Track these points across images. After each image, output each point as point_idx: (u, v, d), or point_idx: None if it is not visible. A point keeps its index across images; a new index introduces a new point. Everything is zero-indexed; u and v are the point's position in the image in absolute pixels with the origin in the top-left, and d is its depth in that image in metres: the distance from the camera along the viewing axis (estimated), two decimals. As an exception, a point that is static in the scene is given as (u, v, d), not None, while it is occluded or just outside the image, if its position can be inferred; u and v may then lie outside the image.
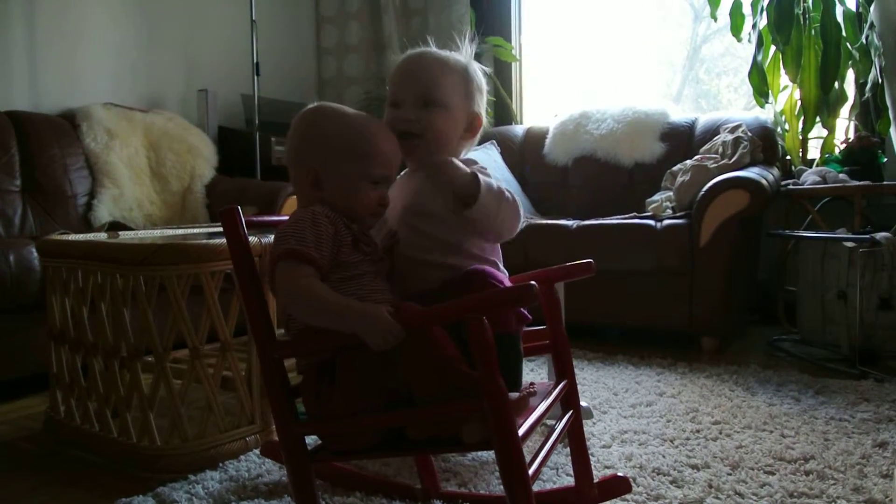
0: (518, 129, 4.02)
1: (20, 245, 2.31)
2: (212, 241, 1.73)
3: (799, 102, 3.34)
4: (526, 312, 1.26)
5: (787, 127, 3.44)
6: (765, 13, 3.26)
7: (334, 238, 1.16)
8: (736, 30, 3.49)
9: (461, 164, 1.24)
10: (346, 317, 1.08)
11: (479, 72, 1.39)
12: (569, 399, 1.37)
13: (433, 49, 1.38)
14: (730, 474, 1.61)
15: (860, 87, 3.23)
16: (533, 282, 1.02)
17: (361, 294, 1.16)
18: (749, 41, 3.44)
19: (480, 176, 1.23)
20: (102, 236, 2.11)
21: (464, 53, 1.38)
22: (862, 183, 2.94)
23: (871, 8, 3.02)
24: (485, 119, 1.39)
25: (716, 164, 3.01)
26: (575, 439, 1.41)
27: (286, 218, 1.28)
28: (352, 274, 1.18)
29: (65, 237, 2.01)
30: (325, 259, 1.14)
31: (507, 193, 1.26)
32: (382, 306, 1.08)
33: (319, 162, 1.23)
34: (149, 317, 1.69)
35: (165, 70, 3.79)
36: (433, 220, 1.28)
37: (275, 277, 1.14)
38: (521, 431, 1.05)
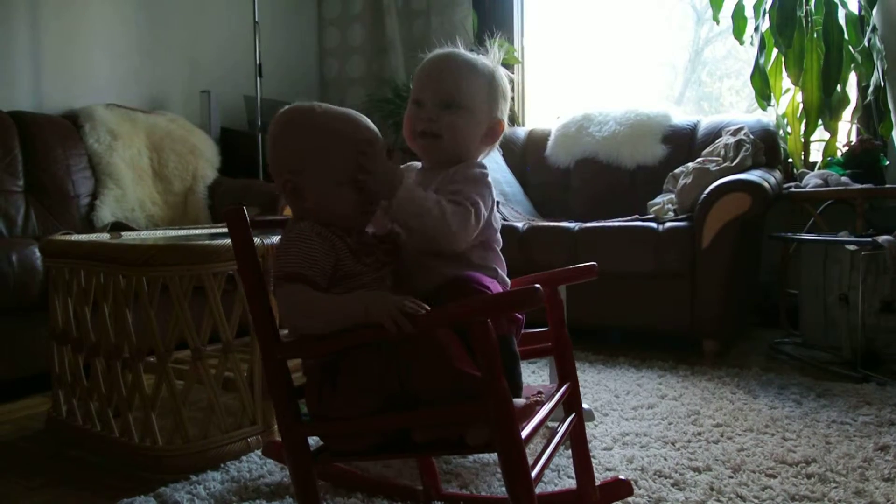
0: (520, 132, 4.02)
1: (23, 245, 2.31)
2: (214, 242, 1.73)
3: (801, 105, 3.34)
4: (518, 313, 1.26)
5: (789, 130, 3.44)
6: (767, 16, 3.26)
7: (329, 251, 1.14)
8: (738, 32, 3.49)
9: (393, 173, 1.19)
10: (352, 302, 1.08)
11: (504, 78, 1.37)
12: (571, 402, 1.37)
13: (462, 51, 1.36)
14: (731, 477, 1.61)
15: (862, 90, 3.24)
16: (537, 285, 1.02)
17: None
18: (751, 44, 3.44)
19: (403, 187, 1.18)
20: (105, 237, 2.11)
21: (492, 58, 1.37)
22: (864, 186, 2.94)
23: (874, 11, 3.02)
24: (507, 125, 1.38)
25: (718, 167, 3.01)
26: (577, 442, 1.41)
27: (289, 217, 1.28)
28: (356, 285, 1.16)
29: (68, 237, 2.01)
30: (319, 273, 1.12)
31: (433, 209, 1.18)
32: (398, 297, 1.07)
33: (293, 171, 1.19)
34: (151, 317, 1.70)
35: (168, 71, 3.80)
36: None
37: (278, 303, 1.14)
38: (523, 434, 1.05)
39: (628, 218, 3.08)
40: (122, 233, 2.32)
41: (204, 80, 3.90)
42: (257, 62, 3.74)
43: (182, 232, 2.42)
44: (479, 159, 1.37)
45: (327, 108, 1.23)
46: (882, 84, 3.03)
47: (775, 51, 3.33)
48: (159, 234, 2.36)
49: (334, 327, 1.10)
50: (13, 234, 2.78)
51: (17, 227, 2.82)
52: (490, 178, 1.32)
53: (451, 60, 1.34)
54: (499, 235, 1.34)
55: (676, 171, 3.24)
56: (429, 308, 1.05)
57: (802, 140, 3.41)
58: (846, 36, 3.16)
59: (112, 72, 3.54)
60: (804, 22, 3.21)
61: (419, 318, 1.05)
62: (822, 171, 3.16)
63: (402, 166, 1.34)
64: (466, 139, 1.32)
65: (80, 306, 1.87)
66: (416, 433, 1.11)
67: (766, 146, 3.16)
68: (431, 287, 1.25)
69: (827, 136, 3.38)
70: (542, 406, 1.21)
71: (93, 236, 2.10)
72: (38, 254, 2.25)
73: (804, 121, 3.34)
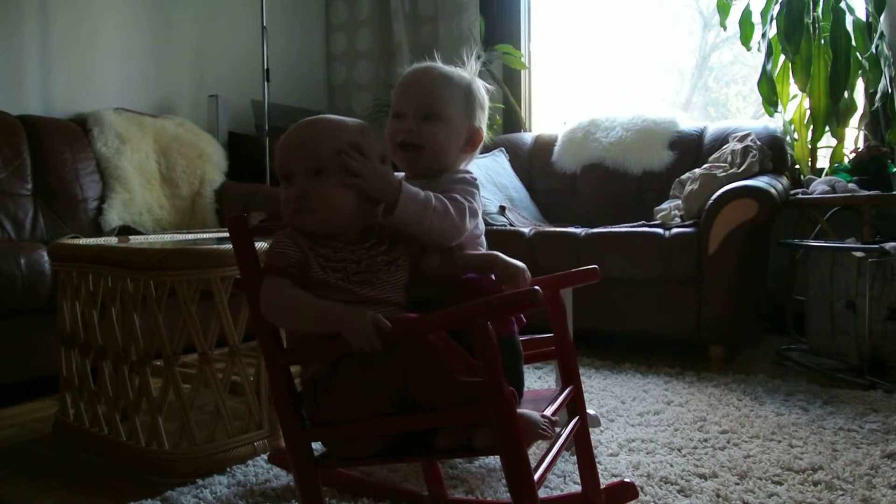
0: (527, 137, 4.03)
1: (31, 249, 2.32)
2: (221, 247, 1.74)
3: (808, 112, 3.34)
4: (521, 315, 1.27)
5: (796, 136, 3.44)
6: (774, 22, 3.26)
7: (301, 257, 1.16)
8: (745, 39, 3.48)
9: (390, 173, 1.22)
10: (328, 316, 1.10)
11: (482, 89, 1.42)
12: (575, 405, 1.37)
13: (438, 64, 1.41)
14: (737, 484, 1.61)
15: (870, 96, 3.23)
16: (537, 287, 1.03)
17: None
18: (758, 50, 3.44)
19: (405, 185, 1.21)
20: (113, 240, 2.12)
21: (468, 70, 1.41)
22: (871, 193, 2.93)
23: (881, 17, 3.02)
24: (485, 134, 1.42)
25: (725, 173, 3.01)
26: (581, 445, 1.41)
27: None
28: (325, 295, 1.16)
29: (76, 241, 2.02)
30: (296, 269, 1.15)
31: (434, 202, 1.24)
32: (368, 310, 1.09)
33: None
34: (158, 321, 1.70)
35: (176, 76, 3.82)
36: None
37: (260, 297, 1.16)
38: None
39: (635, 224, 3.07)
40: (130, 237, 2.34)
41: (212, 85, 3.92)
42: (265, 67, 3.76)
43: (189, 236, 2.43)
44: (460, 167, 1.41)
45: (318, 117, 1.27)
46: (890, 91, 3.02)
47: (782, 57, 3.33)
48: (167, 238, 2.38)
49: (307, 328, 1.14)
50: (21, 237, 2.80)
51: (26, 231, 2.84)
52: (476, 181, 1.36)
53: (427, 74, 1.38)
54: (483, 238, 1.40)
55: (683, 176, 3.24)
56: (390, 325, 1.06)
57: (809, 146, 3.40)
58: (854, 42, 3.15)
59: (120, 76, 3.56)
60: (811, 28, 3.21)
61: (421, 323, 1.06)
62: (829, 177, 3.14)
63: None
64: (446, 148, 1.36)
65: (88, 310, 1.87)
66: (440, 439, 1.11)
67: (773, 152, 3.16)
68: (431, 292, 1.27)
69: (834, 142, 3.37)
70: (541, 403, 1.22)
71: (101, 240, 2.11)
72: (46, 257, 2.26)
73: (811, 127, 3.33)
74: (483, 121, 1.41)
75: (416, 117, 1.34)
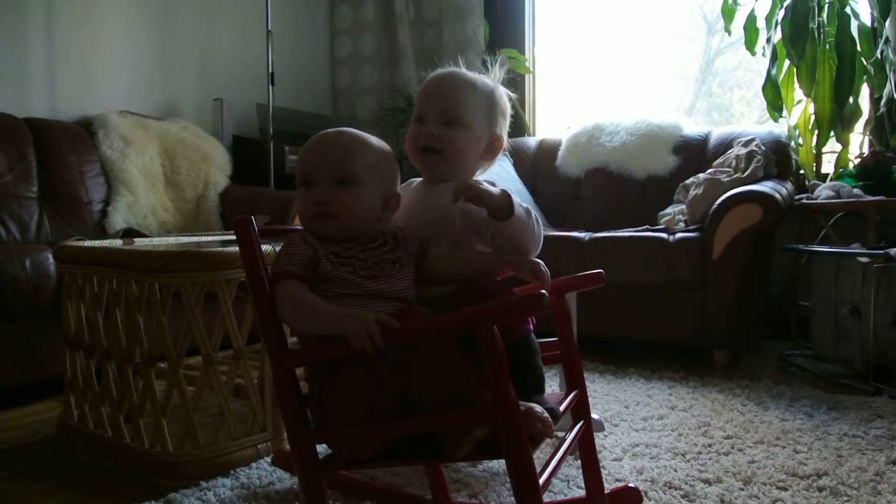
0: (531, 141, 4.03)
1: (36, 251, 2.33)
2: (226, 250, 1.74)
3: (813, 117, 3.33)
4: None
5: (800, 141, 3.43)
6: (779, 27, 3.26)
7: (311, 254, 1.20)
8: (750, 44, 3.49)
9: (487, 184, 1.25)
10: (331, 318, 1.11)
11: (504, 97, 1.43)
12: (579, 409, 1.37)
13: (463, 70, 1.41)
14: (742, 489, 1.60)
15: (875, 101, 3.23)
16: (543, 291, 1.03)
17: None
18: (763, 55, 3.44)
19: (512, 194, 1.26)
20: (118, 243, 2.12)
21: (492, 77, 1.42)
22: (876, 198, 2.92)
23: (886, 23, 3.01)
24: (505, 142, 1.43)
25: (729, 178, 3.00)
26: (586, 450, 1.40)
27: (297, 227, 1.31)
28: (335, 288, 1.18)
29: (81, 243, 2.03)
30: (302, 268, 1.18)
31: (533, 214, 1.30)
32: (372, 312, 1.09)
33: None
34: (163, 323, 1.70)
35: (181, 79, 3.82)
36: (443, 236, 1.32)
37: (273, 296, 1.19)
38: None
39: (639, 228, 3.07)
40: (135, 239, 2.34)
41: (216, 88, 3.92)
42: (270, 70, 3.76)
43: (194, 239, 2.43)
44: (478, 174, 1.42)
45: (343, 129, 1.33)
46: (895, 96, 3.02)
47: (787, 62, 3.33)
48: (171, 240, 2.38)
49: (315, 330, 1.16)
50: (27, 239, 2.80)
51: (31, 233, 2.84)
52: None
53: (451, 79, 1.39)
54: None
55: (687, 181, 3.24)
56: (398, 324, 1.07)
57: (814, 151, 3.40)
58: (859, 47, 3.15)
59: (126, 79, 3.57)
60: (816, 33, 3.20)
61: (426, 325, 1.06)
62: (833, 182, 3.14)
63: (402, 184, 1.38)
64: (466, 154, 1.37)
65: (93, 312, 1.88)
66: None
67: (777, 157, 3.16)
68: (444, 291, 1.27)
69: (839, 147, 3.37)
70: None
71: (105, 242, 2.11)
72: (51, 259, 2.27)
73: (816, 132, 3.33)
74: (504, 128, 1.42)
75: (437, 122, 1.35)
